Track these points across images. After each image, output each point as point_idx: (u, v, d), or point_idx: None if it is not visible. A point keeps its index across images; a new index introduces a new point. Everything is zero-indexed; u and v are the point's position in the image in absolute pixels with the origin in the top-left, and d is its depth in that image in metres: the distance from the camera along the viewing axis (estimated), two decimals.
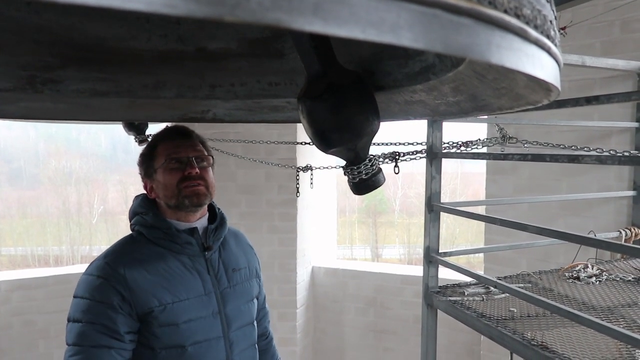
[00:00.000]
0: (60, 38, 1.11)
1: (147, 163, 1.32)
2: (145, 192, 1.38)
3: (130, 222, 1.33)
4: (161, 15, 0.20)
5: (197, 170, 1.32)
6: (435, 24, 0.31)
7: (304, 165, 3.40)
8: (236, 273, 1.41)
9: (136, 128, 3.08)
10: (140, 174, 1.35)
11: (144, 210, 1.30)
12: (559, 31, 0.58)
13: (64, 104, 1.29)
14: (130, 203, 1.39)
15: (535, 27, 0.43)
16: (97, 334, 1.20)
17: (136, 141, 3.20)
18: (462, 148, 2.34)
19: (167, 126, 1.40)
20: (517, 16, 0.39)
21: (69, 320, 1.25)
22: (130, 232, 1.33)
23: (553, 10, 0.53)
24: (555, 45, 0.50)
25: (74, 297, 1.25)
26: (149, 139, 3.25)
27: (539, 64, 0.45)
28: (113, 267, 1.24)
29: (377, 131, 1.21)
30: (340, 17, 0.26)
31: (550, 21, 0.49)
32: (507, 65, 0.39)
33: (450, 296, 2.22)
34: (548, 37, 0.47)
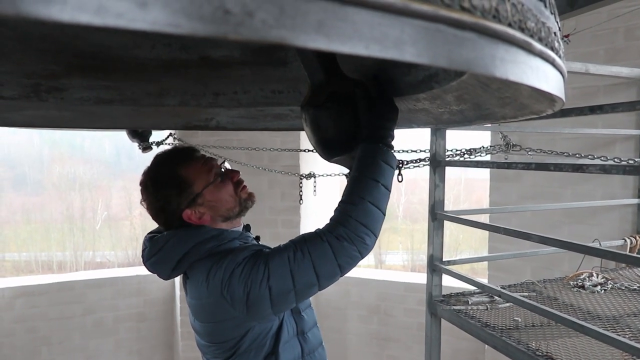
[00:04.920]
0: (64, 46, 1.12)
1: (185, 194, 1.27)
2: (157, 227, 1.37)
3: (198, 253, 1.26)
4: (166, 34, 0.20)
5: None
6: (438, 39, 0.31)
7: (307, 173, 3.40)
8: None
9: (140, 135, 3.10)
10: (180, 208, 1.28)
11: (217, 232, 1.30)
12: (562, 40, 0.58)
13: (69, 112, 1.29)
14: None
15: (540, 40, 0.42)
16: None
17: (140, 148, 3.21)
18: (466, 156, 2.33)
19: (163, 153, 1.33)
20: (522, 29, 0.39)
21: (235, 268, 1.17)
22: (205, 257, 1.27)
23: (557, 22, 0.53)
24: (560, 56, 0.50)
25: (233, 270, 1.17)
26: (153, 146, 3.28)
27: (544, 76, 0.45)
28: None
29: None
30: (344, 34, 0.25)
31: (555, 33, 0.49)
32: (511, 79, 0.38)
33: (454, 305, 2.20)
34: (552, 49, 0.47)
